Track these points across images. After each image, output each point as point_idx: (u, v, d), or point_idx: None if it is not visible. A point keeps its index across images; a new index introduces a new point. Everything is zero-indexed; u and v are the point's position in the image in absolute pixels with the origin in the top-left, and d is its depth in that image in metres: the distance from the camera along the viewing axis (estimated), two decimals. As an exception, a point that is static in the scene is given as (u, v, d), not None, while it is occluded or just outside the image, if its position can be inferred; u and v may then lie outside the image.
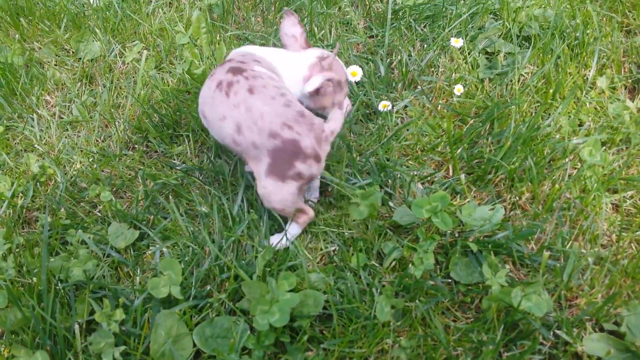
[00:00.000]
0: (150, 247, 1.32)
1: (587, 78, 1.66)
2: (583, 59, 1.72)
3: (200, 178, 1.45)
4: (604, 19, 1.89)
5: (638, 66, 1.72)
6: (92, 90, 1.77)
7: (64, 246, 1.32)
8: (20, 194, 1.45)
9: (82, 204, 1.43)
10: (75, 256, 1.25)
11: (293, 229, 1.29)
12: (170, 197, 1.40)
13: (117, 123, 1.62)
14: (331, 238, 1.32)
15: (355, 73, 1.62)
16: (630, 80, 1.69)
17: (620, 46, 1.77)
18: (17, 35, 1.93)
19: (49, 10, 2.01)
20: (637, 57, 1.74)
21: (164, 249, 1.30)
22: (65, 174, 1.51)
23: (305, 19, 1.88)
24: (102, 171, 1.51)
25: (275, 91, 1.21)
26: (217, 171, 1.43)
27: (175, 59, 1.81)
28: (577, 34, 1.77)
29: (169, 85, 1.72)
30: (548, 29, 1.80)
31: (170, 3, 2.06)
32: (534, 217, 1.31)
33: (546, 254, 1.15)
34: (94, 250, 1.29)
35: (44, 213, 1.40)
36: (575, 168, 1.42)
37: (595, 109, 1.61)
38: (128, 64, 1.83)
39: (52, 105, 1.72)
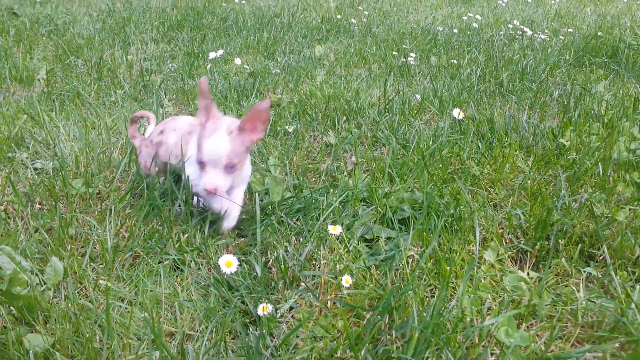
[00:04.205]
0: None
1: (474, 253, 1.58)
2: (464, 235, 1.67)
3: None
4: (470, 194, 1.91)
5: (517, 236, 1.70)
6: None
7: None
8: None
9: None
10: None
11: None
12: None
13: None
14: None
15: (230, 263, 1.39)
16: (514, 251, 1.64)
17: (495, 219, 1.75)
18: None
19: None
20: (512, 228, 1.72)
21: None
22: None
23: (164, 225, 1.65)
24: None
25: None
26: None
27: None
28: (451, 211, 1.74)
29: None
30: (421, 210, 1.76)
31: None
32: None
33: None
34: None
35: None
36: (494, 354, 1.24)
37: (491, 284, 1.50)
38: None
39: None
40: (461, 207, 1.77)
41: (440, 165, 2.07)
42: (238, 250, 1.63)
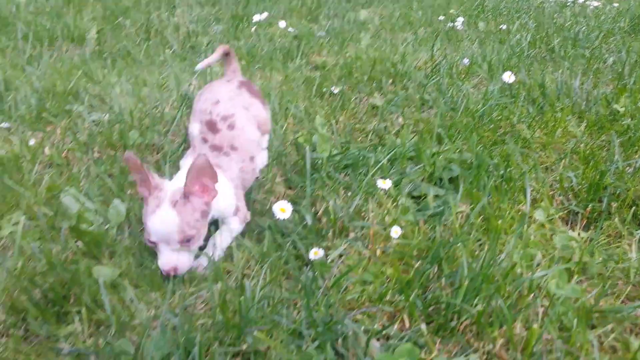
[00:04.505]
0: None
1: (525, 212, 1.58)
2: (514, 195, 1.66)
3: (94, 365, 1.10)
4: (521, 156, 1.89)
5: (568, 198, 1.69)
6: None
7: None
8: None
9: None
10: None
11: None
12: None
13: (-19, 306, 1.25)
14: None
15: (284, 209, 1.44)
16: (565, 212, 1.63)
17: (545, 181, 1.74)
18: None
19: None
20: (564, 190, 1.71)
21: None
22: None
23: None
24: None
25: None
26: (118, 352, 1.09)
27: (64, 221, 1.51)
28: (501, 172, 1.74)
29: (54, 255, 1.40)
30: (470, 170, 1.75)
31: (61, 173, 1.81)
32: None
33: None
34: None
35: None
36: (543, 306, 1.25)
37: (541, 242, 1.50)
38: (4, 239, 1.50)
39: None
40: (511, 168, 1.76)
41: (491, 126, 2.06)
42: (288, 200, 1.66)
